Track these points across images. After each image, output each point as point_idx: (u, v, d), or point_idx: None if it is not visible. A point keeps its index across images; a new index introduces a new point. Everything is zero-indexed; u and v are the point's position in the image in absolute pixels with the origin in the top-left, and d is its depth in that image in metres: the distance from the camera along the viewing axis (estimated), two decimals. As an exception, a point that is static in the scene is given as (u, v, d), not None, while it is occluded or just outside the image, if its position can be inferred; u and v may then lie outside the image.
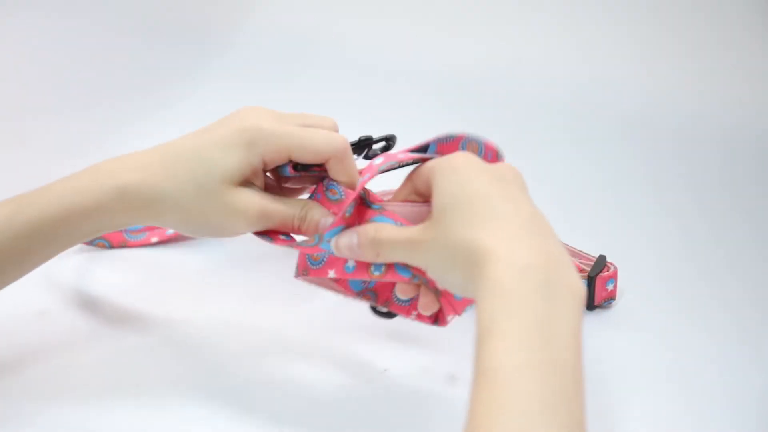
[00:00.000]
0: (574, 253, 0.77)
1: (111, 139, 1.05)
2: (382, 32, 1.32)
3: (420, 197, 0.58)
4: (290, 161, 0.59)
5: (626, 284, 0.75)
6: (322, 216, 0.59)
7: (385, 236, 0.55)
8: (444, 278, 0.52)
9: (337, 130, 0.62)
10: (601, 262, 0.73)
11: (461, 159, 0.53)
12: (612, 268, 0.73)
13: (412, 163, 0.59)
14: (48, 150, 1.01)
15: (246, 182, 0.58)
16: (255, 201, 0.58)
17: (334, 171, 0.59)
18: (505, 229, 0.49)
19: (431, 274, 0.53)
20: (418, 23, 1.33)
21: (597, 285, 0.72)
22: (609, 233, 0.86)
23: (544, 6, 1.30)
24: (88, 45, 1.28)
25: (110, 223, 0.59)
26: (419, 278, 0.56)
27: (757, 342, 0.71)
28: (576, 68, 1.21)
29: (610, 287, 0.73)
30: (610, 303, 0.74)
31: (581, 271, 0.73)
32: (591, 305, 0.72)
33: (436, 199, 0.52)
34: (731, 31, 1.20)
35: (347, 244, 0.56)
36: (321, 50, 1.30)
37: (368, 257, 0.55)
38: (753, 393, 0.65)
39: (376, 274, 0.56)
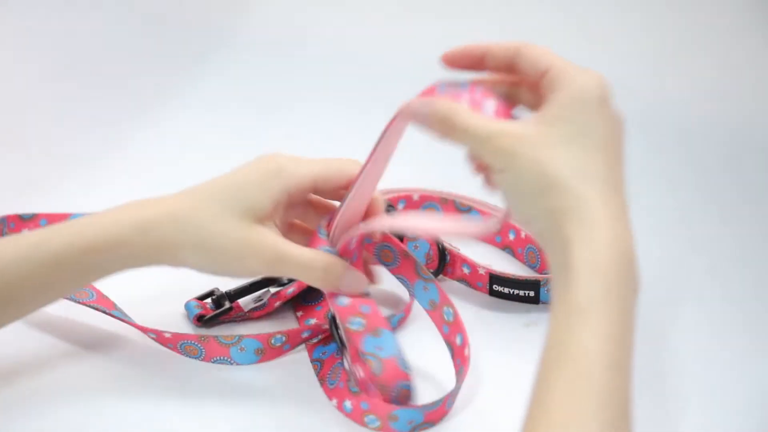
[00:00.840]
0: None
1: (111, 139, 1.06)
2: (381, 33, 1.32)
3: (507, 74, 0.52)
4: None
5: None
6: (344, 270, 0.59)
7: (460, 121, 0.49)
8: (524, 195, 0.47)
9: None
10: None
11: (600, 90, 0.48)
12: (613, 267, 0.73)
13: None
14: (48, 151, 1.01)
15: (268, 221, 0.59)
16: (272, 238, 0.59)
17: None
18: (617, 204, 0.46)
19: (507, 185, 0.48)
20: (417, 24, 1.33)
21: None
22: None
23: (546, 3, 1.30)
24: (88, 46, 1.29)
25: (132, 259, 0.59)
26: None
27: (760, 340, 0.71)
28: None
29: (610, 286, 0.73)
30: (611, 301, 0.73)
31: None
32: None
33: (560, 105, 0.47)
34: (739, 30, 1.20)
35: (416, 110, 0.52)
36: (320, 50, 1.30)
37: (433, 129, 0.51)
38: (755, 391, 0.65)
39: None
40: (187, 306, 0.70)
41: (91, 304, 0.65)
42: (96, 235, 0.59)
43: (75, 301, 0.66)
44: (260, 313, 0.71)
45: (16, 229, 0.77)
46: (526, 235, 0.79)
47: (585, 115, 0.47)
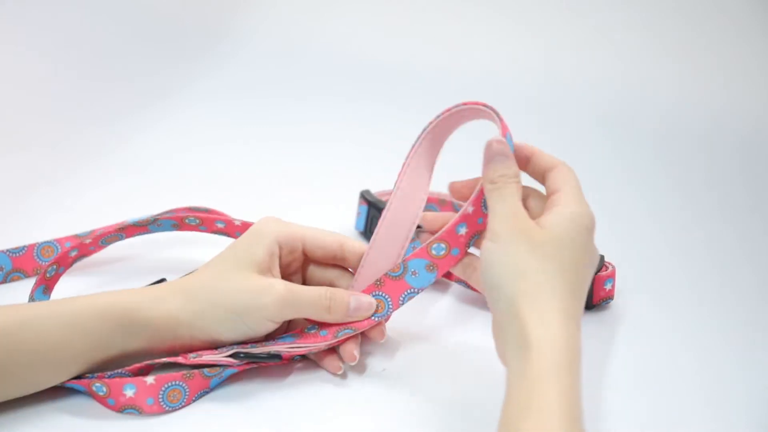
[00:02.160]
0: (573, 253, 0.77)
1: (115, 135, 1.06)
2: (380, 32, 1.32)
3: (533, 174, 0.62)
4: None
5: (624, 284, 0.75)
6: (349, 296, 0.63)
7: (511, 189, 0.58)
8: (491, 279, 0.56)
9: None
10: (599, 262, 0.73)
11: (591, 223, 0.58)
12: (610, 268, 0.73)
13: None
14: (46, 152, 1.01)
15: (268, 273, 0.63)
16: (281, 282, 0.62)
17: (350, 256, 0.65)
18: (576, 312, 0.54)
19: (486, 258, 0.56)
20: (416, 24, 1.33)
21: (595, 284, 0.72)
22: (607, 233, 0.86)
23: (550, 5, 1.30)
24: (87, 46, 1.28)
25: (140, 336, 0.61)
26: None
27: (757, 341, 0.71)
28: (570, 70, 1.21)
29: (608, 287, 0.73)
30: (608, 302, 0.74)
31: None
32: (589, 305, 0.73)
33: (556, 227, 0.56)
34: (745, 35, 1.20)
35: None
36: (320, 49, 1.31)
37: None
38: (753, 392, 0.65)
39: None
40: None
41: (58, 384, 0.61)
42: (116, 305, 0.60)
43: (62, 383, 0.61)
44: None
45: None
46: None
47: (573, 237, 0.56)
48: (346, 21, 1.35)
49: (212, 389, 0.62)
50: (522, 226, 0.56)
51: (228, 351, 0.61)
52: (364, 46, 1.29)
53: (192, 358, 0.61)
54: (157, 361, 0.62)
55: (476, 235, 0.62)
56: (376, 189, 0.83)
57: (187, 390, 0.60)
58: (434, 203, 0.85)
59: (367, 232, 0.82)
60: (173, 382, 0.59)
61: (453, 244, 0.62)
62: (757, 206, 0.94)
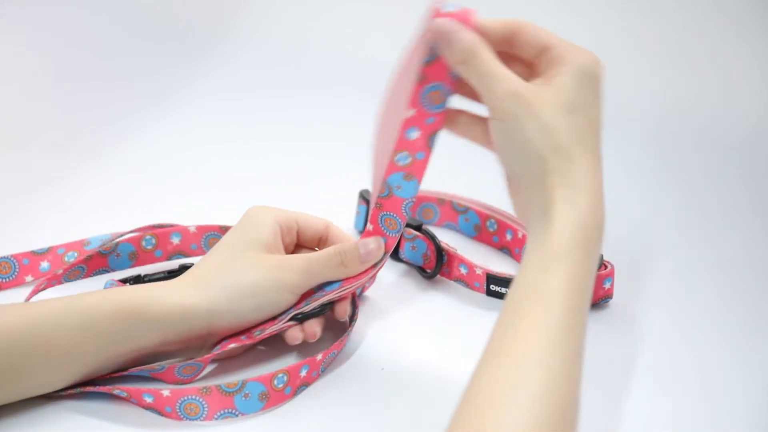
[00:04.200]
0: (572, 252, 0.77)
1: (110, 140, 1.06)
2: (380, 31, 1.32)
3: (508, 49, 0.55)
4: None
5: (623, 283, 0.75)
6: (356, 245, 0.65)
7: (483, 57, 0.53)
8: (520, 149, 0.52)
9: None
10: (598, 261, 0.73)
11: (599, 68, 0.54)
12: (609, 267, 0.73)
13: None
14: (46, 152, 1.02)
15: (275, 251, 0.64)
16: (295, 256, 0.64)
17: (333, 236, 0.67)
18: (597, 174, 0.52)
19: (506, 135, 0.53)
20: (416, 24, 1.33)
21: (594, 284, 0.72)
22: (606, 232, 0.86)
23: (547, 7, 1.30)
24: (86, 47, 1.29)
25: (164, 328, 0.60)
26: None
27: (757, 340, 0.71)
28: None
29: (607, 286, 0.73)
30: (607, 301, 0.74)
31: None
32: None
33: (567, 76, 0.52)
34: (745, 35, 1.20)
35: (443, 30, 0.54)
36: (319, 48, 1.31)
37: (452, 58, 0.54)
38: (752, 392, 0.65)
39: None
40: (105, 284, 0.70)
41: (77, 390, 0.60)
42: (128, 301, 0.59)
43: (59, 395, 0.60)
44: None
45: (32, 265, 0.74)
46: (523, 235, 0.79)
47: (585, 90, 0.53)
48: (346, 21, 1.35)
49: (240, 412, 0.60)
50: (529, 87, 0.52)
51: (286, 317, 0.62)
52: (364, 46, 1.29)
53: (257, 335, 0.62)
54: (225, 346, 0.62)
55: (433, 135, 0.59)
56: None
57: (206, 406, 0.59)
58: (433, 202, 0.85)
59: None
60: (189, 397, 0.59)
61: (413, 149, 0.60)
62: (757, 206, 0.94)
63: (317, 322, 0.65)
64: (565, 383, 0.47)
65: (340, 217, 0.85)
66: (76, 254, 0.75)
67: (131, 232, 0.74)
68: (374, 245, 0.65)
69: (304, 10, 1.37)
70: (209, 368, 0.64)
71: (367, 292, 0.74)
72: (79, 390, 0.60)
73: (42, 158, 0.99)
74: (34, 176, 0.94)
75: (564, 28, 1.31)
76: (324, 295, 0.64)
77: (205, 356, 0.62)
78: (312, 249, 0.68)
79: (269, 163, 1.01)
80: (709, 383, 0.66)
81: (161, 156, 1.02)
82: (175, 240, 0.76)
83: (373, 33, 1.32)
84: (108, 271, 0.74)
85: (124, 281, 0.72)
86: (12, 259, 0.74)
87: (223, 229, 0.76)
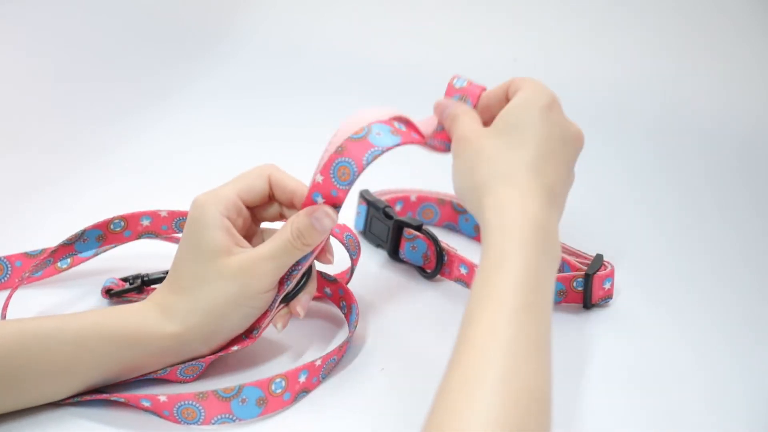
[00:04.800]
0: (572, 252, 0.77)
1: (110, 140, 1.06)
2: (379, 31, 1.32)
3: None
4: None
5: (623, 283, 0.75)
6: (307, 218, 0.62)
7: (460, 123, 0.65)
8: (465, 185, 0.62)
9: None
10: (598, 261, 0.73)
11: (554, 104, 0.62)
12: (609, 267, 0.73)
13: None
14: (46, 152, 1.02)
15: (235, 248, 0.62)
16: (254, 256, 0.62)
17: (275, 186, 0.66)
18: (534, 186, 0.58)
19: (455, 166, 0.64)
20: (416, 24, 1.33)
21: (594, 284, 0.72)
22: (606, 232, 0.86)
23: (548, 6, 1.30)
24: (86, 47, 1.29)
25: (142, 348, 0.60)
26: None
27: (756, 340, 0.71)
28: (569, 69, 1.21)
29: (607, 286, 0.73)
30: (607, 302, 0.74)
31: (578, 269, 0.73)
32: (588, 304, 0.73)
33: (504, 114, 0.62)
34: (745, 35, 1.20)
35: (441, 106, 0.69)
36: (319, 48, 1.31)
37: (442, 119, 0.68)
38: (753, 392, 0.65)
39: None
40: (105, 282, 0.71)
41: (75, 399, 0.60)
42: (114, 325, 0.59)
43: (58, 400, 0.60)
44: None
45: (24, 267, 0.74)
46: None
47: (522, 117, 0.61)
48: (346, 21, 1.35)
49: (237, 417, 0.60)
50: (477, 130, 0.63)
51: (274, 307, 0.63)
52: (364, 46, 1.29)
53: (255, 334, 0.63)
54: (228, 349, 0.62)
55: (338, 206, 0.63)
56: (375, 189, 0.84)
57: (203, 411, 0.59)
58: (433, 202, 0.85)
59: (367, 231, 0.82)
60: (186, 402, 0.59)
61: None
62: (757, 206, 0.94)
63: (298, 301, 0.65)
64: (522, 379, 0.48)
65: (340, 216, 0.85)
66: (69, 261, 0.75)
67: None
68: (326, 218, 0.62)
69: (304, 10, 1.37)
70: (204, 373, 0.64)
71: (368, 293, 0.74)
72: (76, 399, 0.60)
73: (42, 158, 0.99)
74: (34, 176, 0.94)
75: (565, 27, 1.32)
76: (300, 269, 0.63)
77: (207, 357, 0.62)
78: (266, 206, 0.67)
79: (269, 162, 1.01)
80: (709, 383, 0.66)
81: (161, 156, 1.02)
82: (146, 222, 0.75)
83: (373, 33, 1.32)
84: (75, 254, 0.73)
85: (125, 279, 0.72)
86: (5, 260, 0.73)
87: None
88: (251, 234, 0.66)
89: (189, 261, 0.62)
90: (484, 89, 0.68)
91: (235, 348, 0.63)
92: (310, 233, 0.62)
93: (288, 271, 0.63)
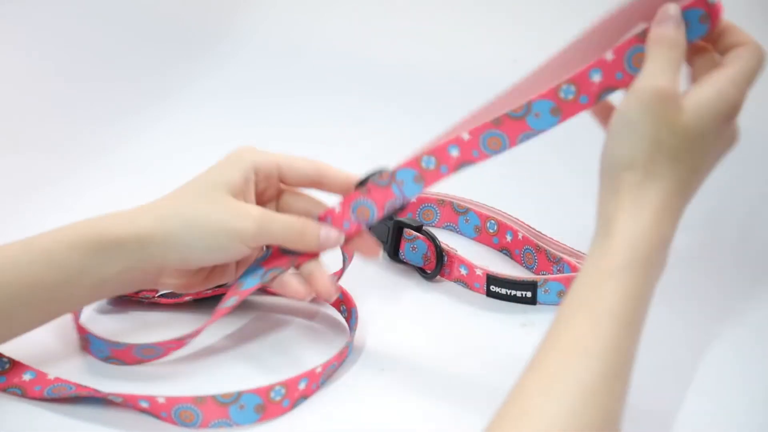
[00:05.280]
0: (572, 253, 0.77)
1: (110, 140, 1.06)
2: (379, 31, 1.32)
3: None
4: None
5: (623, 284, 0.75)
6: (319, 228, 0.63)
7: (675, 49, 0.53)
8: (627, 152, 0.52)
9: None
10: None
11: (737, 111, 0.55)
12: (609, 268, 0.73)
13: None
14: (46, 152, 1.01)
15: (241, 197, 0.63)
16: (255, 207, 0.62)
17: (329, 182, 0.65)
18: (668, 200, 0.52)
19: (617, 123, 0.52)
20: (416, 24, 1.33)
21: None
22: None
23: (549, 7, 1.30)
24: (86, 47, 1.29)
25: (122, 258, 0.60)
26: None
27: (756, 340, 0.71)
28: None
29: (607, 287, 0.73)
30: (608, 302, 0.74)
31: (578, 270, 0.73)
32: (588, 305, 0.73)
33: (697, 117, 0.51)
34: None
35: None
36: (319, 47, 1.31)
37: None
38: (752, 392, 0.65)
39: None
40: None
41: (73, 394, 0.60)
42: (87, 230, 0.60)
43: (55, 397, 0.60)
44: (169, 301, 0.71)
45: None
46: (523, 236, 0.79)
47: (706, 133, 0.53)
48: (346, 21, 1.35)
49: (235, 423, 0.59)
50: (664, 99, 0.51)
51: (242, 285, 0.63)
52: (364, 46, 1.29)
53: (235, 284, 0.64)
54: (203, 294, 0.65)
55: (609, 90, 0.56)
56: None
57: (201, 414, 0.59)
58: (433, 203, 0.85)
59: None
60: (184, 405, 0.59)
61: (583, 90, 0.56)
62: (757, 205, 0.94)
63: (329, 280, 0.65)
64: (600, 400, 0.46)
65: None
66: None
67: None
68: (335, 236, 0.63)
69: (304, 10, 1.37)
70: (205, 377, 0.64)
71: (367, 293, 0.74)
72: (74, 394, 0.60)
73: (42, 158, 0.99)
74: (34, 176, 0.94)
75: (565, 27, 1.31)
76: (270, 271, 0.63)
77: (167, 342, 0.63)
78: (301, 196, 0.67)
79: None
80: (709, 383, 0.66)
81: (161, 156, 1.02)
82: None
83: (373, 33, 1.32)
84: None
85: None
86: None
87: None
88: (265, 202, 0.66)
89: (198, 183, 0.63)
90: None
91: (187, 337, 0.63)
92: (313, 232, 0.63)
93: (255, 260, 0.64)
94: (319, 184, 0.66)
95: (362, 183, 0.64)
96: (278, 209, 0.66)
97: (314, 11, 1.37)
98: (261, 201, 0.65)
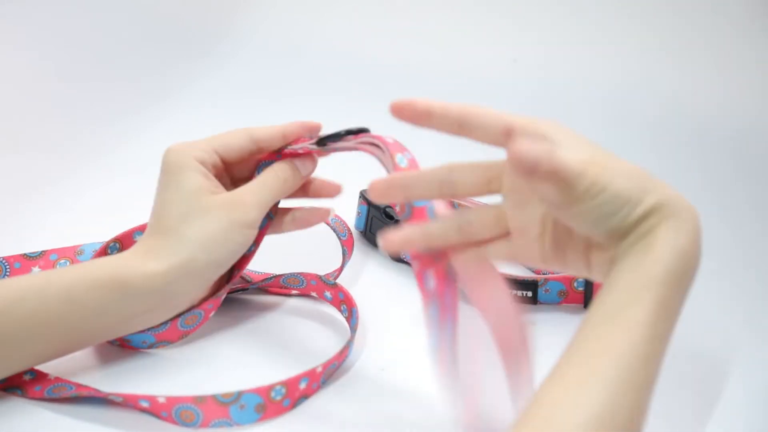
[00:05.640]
0: (572, 253, 0.77)
1: (110, 140, 1.06)
2: (379, 30, 1.32)
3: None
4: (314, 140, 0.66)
5: (624, 283, 0.75)
6: (291, 161, 0.66)
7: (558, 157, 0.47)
8: (612, 212, 0.48)
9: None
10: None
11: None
12: (610, 268, 0.73)
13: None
14: (46, 152, 1.01)
15: (215, 191, 0.63)
16: (242, 190, 0.63)
17: (266, 145, 0.66)
18: (674, 203, 0.49)
19: (592, 210, 0.48)
20: (416, 24, 1.33)
21: (595, 284, 0.72)
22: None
23: (548, 6, 1.30)
24: (86, 47, 1.29)
25: (138, 299, 0.60)
26: None
27: (756, 340, 0.71)
28: (569, 69, 1.21)
29: (607, 286, 0.73)
30: (608, 302, 0.74)
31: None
32: (589, 304, 0.73)
33: (574, 150, 0.48)
34: (744, 34, 1.20)
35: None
36: (319, 47, 1.31)
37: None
38: (753, 392, 0.65)
39: None
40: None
41: (73, 394, 0.60)
42: (110, 271, 0.59)
43: (55, 397, 0.60)
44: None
45: (23, 270, 0.73)
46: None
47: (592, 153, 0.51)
48: (346, 21, 1.35)
49: (235, 422, 0.59)
50: (596, 154, 0.50)
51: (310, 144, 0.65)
52: (364, 46, 1.29)
53: (236, 274, 0.66)
54: (217, 299, 0.65)
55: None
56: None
57: (201, 414, 0.58)
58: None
59: (367, 231, 0.82)
60: (184, 404, 0.58)
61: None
62: (755, 204, 0.95)
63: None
64: (626, 412, 0.45)
65: (340, 216, 0.85)
66: (68, 262, 0.74)
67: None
68: (309, 162, 0.67)
69: (304, 10, 1.37)
70: (205, 376, 0.64)
71: (368, 293, 0.74)
72: (74, 394, 0.60)
73: (42, 158, 0.99)
74: (34, 176, 0.94)
75: (565, 27, 1.32)
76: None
77: (203, 304, 0.64)
78: (243, 168, 0.68)
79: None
80: (710, 383, 0.66)
81: (161, 156, 1.01)
82: (137, 238, 0.74)
83: (373, 33, 1.32)
84: None
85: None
86: (3, 261, 0.73)
87: None
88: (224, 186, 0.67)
89: (171, 203, 0.62)
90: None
91: (221, 294, 0.65)
92: (289, 169, 0.65)
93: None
94: (258, 151, 0.67)
95: (322, 142, 0.66)
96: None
97: (314, 11, 1.37)
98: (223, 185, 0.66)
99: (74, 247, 0.75)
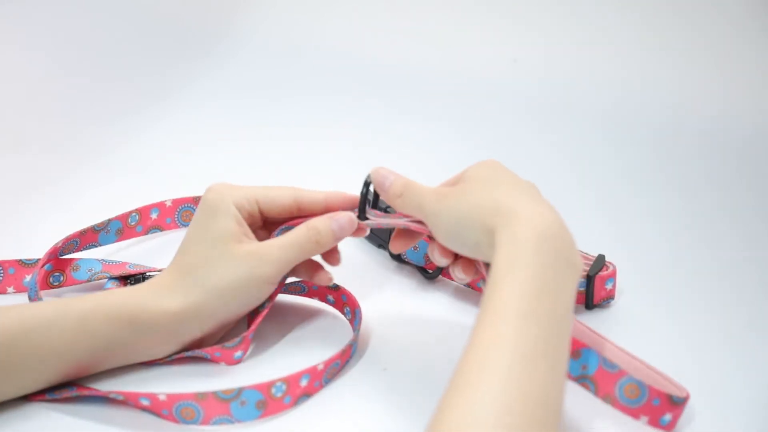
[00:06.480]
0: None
1: (110, 140, 1.06)
2: (379, 30, 1.32)
3: None
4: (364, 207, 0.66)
5: (625, 283, 0.75)
6: (329, 220, 0.64)
7: (413, 185, 0.62)
8: (456, 232, 0.58)
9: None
10: (600, 262, 0.73)
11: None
12: (611, 268, 0.73)
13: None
14: (46, 152, 1.01)
15: (244, 239, 0.63)
16: (268, 245, 0.63)
17: (306, 207, 0.65)
18: (529, 200, 0.56)
19: (441, 230, 0.59)
20: (416, 24, 1.33)
21: (596, 284, 0.72)
22: (608, 232, 0.86)
23: (549, 7, 1.30)
24: (87, 46, 1.29)
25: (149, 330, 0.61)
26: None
27: (756, 341, 0.71)
28: (570, 70, 1.21)
29: (609, 286, 0.73)
30: (609, 302, 0.74)
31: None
32: (590, 304, 0.73)
33: (467, 173, 0.60)
34: (745, 35, 1.20)
35: (379, 179, 0.63)
36: (319, 47, 1.31)
37: (391, 196, 0.62)
38: (753, 392, 0.65)
39: None
40: (106, 284, 0.71)
41: (73, 394, 0.60)
42: (125, 305, 0.60)
43: (56, 397, 0.60)
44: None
45: (17, 276, 0.73)
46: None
47: (482, 173, 0.60)
48: (346, 21, 1.35)
49: (236, 419, 0.59)
50: (447, 190, 0.60)
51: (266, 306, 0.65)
52: (364, 46, 1.29)
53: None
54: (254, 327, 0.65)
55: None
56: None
57: (202, 411, 0.58)
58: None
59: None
60: (185, 401, 0.58)
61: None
62: (758, 206, 0.94)
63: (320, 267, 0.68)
64: (524, 386, 0.48)
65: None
66: (61, 276, 0.73)
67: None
68: (345, 219, 0.65)
69: (304, 10, 1.37)
70: (205, 375, 0.64)
71: (369, 293, 0.74)
72: (75, 394, 0.60)
73: (42, 158, 0.99)
74: (34, 176, 0.94)
75: (565, 27, 1.32)
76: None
77: (212, 349, 0.64)
78: (281, 224, 0.67)
79: (269, 162, 1.01)
80: (711, 384, 0.65)
81: (161, 156, 1.02)
82: (154, 215, 0.80)
83: (373, 33, 1.32)
84: (97, 245, 0.76)
85: (126, 279, 0.72)
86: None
87: (196, 200, 0.80)
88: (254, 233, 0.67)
89: (198, 243, 0.63)
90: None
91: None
92: (326, 231, 0.64)
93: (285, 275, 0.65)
94: (298, 211, 0.66)
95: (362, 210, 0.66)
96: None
97: (314, 11, 1.37)
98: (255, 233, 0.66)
99: (71, 260, 0.74)
